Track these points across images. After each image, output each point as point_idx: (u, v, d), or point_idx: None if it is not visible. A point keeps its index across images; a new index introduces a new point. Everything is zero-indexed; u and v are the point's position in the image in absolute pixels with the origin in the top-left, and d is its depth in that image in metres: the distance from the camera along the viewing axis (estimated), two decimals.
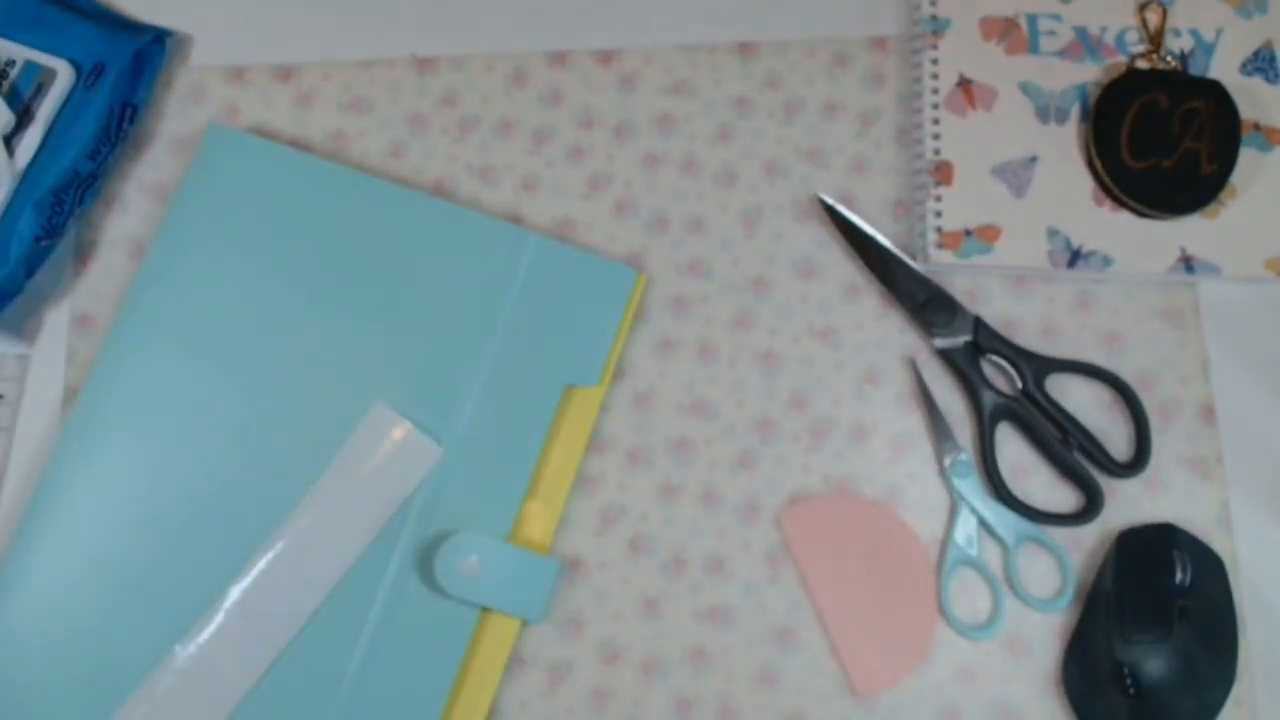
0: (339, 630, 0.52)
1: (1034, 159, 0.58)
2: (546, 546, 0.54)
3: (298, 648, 0.52)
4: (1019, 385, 0.56)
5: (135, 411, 0.54)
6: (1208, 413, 0.57)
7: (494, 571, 0.52)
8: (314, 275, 0.56)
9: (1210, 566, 0.54)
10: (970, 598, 0.55)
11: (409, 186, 0.58)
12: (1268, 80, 0.59)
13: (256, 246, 0.56)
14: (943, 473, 0.55)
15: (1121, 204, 0.58)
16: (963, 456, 0.55)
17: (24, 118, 0.57)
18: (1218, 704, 0.52)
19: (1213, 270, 0.57)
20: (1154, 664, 0.51)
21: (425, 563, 0.53)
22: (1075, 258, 0.57)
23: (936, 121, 0.59)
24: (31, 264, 0.56)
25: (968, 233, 0.57)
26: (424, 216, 0.57)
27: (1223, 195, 0.57)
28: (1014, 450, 0.56)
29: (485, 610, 0.53)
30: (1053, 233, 0.57)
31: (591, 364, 0.55)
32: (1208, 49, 0.60)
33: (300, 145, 0.60)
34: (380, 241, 0.56)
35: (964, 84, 0.59)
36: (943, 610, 0.54)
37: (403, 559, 0.53)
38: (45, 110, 0.57)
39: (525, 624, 0.54)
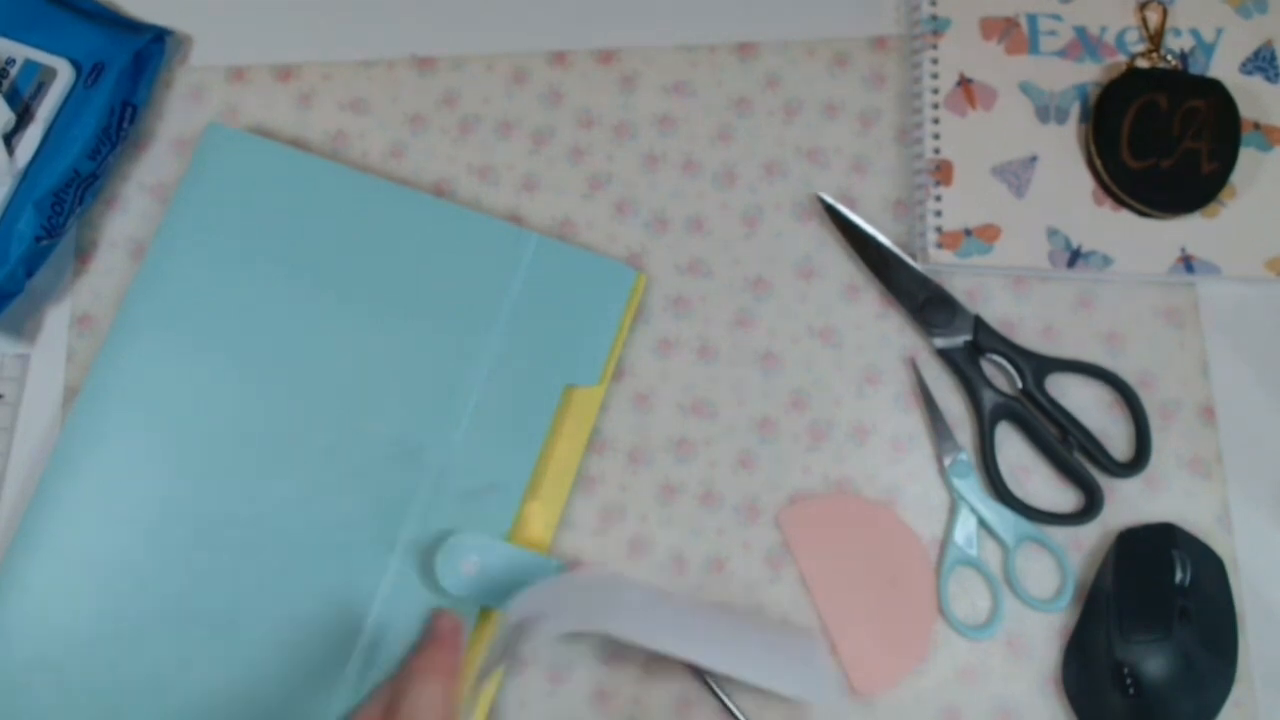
0: (340, 628, 0.52)
1: (1034, 159, 0.58)
2: (546, 546, 0.54)
3: (298, 647, 0.52)
4: (1019, 385, 0.56)
5: (135, 412, 0.54)
6: (1208, 413, 0.57)
7: (494, 571, 0.52)
8: (314, 275, 0.56)
9: (1210, 566, 0.54)
10: (970, 598, 0.55)
11: (409, 186, 0.58)
12: (1268, 80, 0.59)
13: (256, 246, 0.56)
14: (943, 473, 0.55)
15: (1121, 204, 0.58)
16: (963, 456, 0.55)
17: (24, 117, 0.57)
18: (1218, 704, 0.52)
19: (1213, 270, 0.57)
20: (1154, 664, 0.51)
21: (425, 562, 0.53)
22: (1075, 257, 0.57)
23: (936, 121, 0.59)
24: (31, 264, 0.56)
25: (968, 232, 0.57)
26: (424, 216, 0.57)
27: (1223, 195, 0.57)
28: (1014, 450, 0.56)
29: (485, 609, 0.53)
30: (1053, 232, 0.57)
31: (592, 363, 0.55)
32: (1208, 49, 0.60)
33: (300, 145, 0.60)
34: (380, 241, 0.56)
35: (964, 84, 0.59)
36: (942, 610, 0.54)
37: (403, 559, 0.53)
38: (45, 110, 0.57)
39: None
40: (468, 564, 0.52)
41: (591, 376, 0.55)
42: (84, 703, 0.51)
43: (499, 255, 0.56)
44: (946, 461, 0.55)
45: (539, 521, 0.54)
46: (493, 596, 0.52)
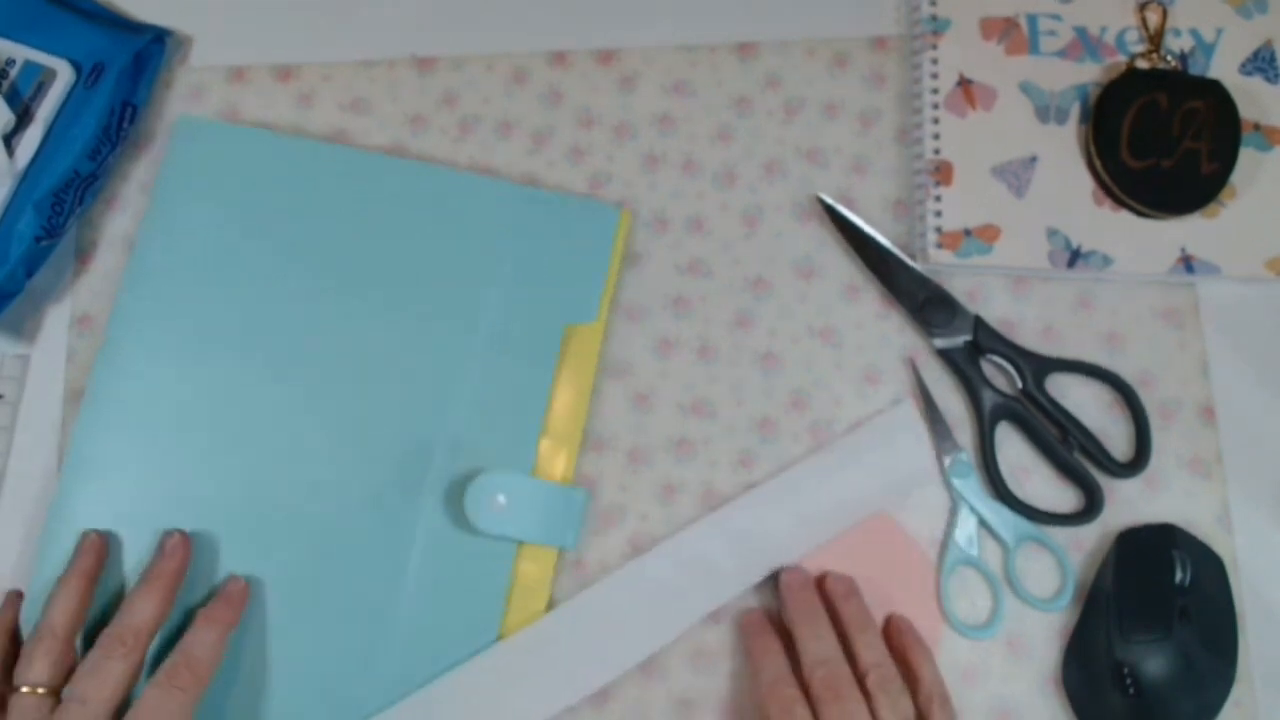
0: (382, 583, 0.53)
1: (1034, 159, 0.58)
2: (569, 480, 0.55)
3: (341, 612, 0.52)
4: (1019, 385, 0.56)
5: (138, 411, 0.54)
6: (1208, 413, 0.57)
7: (522, 505, 0.53)
8: (303, 251, 0.56)
9: (1210, 566, 0.54)
10: (971, 598, 0.55)
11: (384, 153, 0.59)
12: (1268, 80, 0.59)
13: (241, 229, 0.56)
14: (943, 472, 0.55)
15: (1121, 204, 0.58)
16: (963, 456, 0.55)
17: (24, 118, 0.57)
18: (1218, 704, 0.52)
19: (1213, 270, 0.57)
20: (1154, 664, 0.51)
21: (457, 506, 0.53)
22: (1075, 258, 0.57)
23: (936, 121, 0.59)
24: (32, 264, 0.56)
25: (967, 233, 0.57)
26: (402, 180, 0.58)
27: (1223, 195, 0.57)
28: (1014, 450, 0.56)
29: (522, 545, 0.54)
30: (1053, 233, 0.57)
31: (588, 301, 0.56)
32: (1208, 49, 0.60)
33: None
34: (363, 209, 0.57)
35: (964, 84, 0.59)
36: (943, 610, 0.54)
37: (433, 505, 0.53)
38: (45, 110, 0.57)
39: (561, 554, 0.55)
40: (497, 501, 0.52)
41: (589, 314, 0.56)
42: None
43: (483, 209, 0.57)
44: (946, 461, 0.55)
45: (559, 457, 0.55)
46: (525, 531, 0.53)
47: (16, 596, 0.53)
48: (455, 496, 0.53)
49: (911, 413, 0.56)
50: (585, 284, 0.57)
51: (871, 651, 0.49)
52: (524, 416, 0.55)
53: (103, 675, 0.47)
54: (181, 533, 0.52)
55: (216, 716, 0.51)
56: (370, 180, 0.57)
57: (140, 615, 0.49)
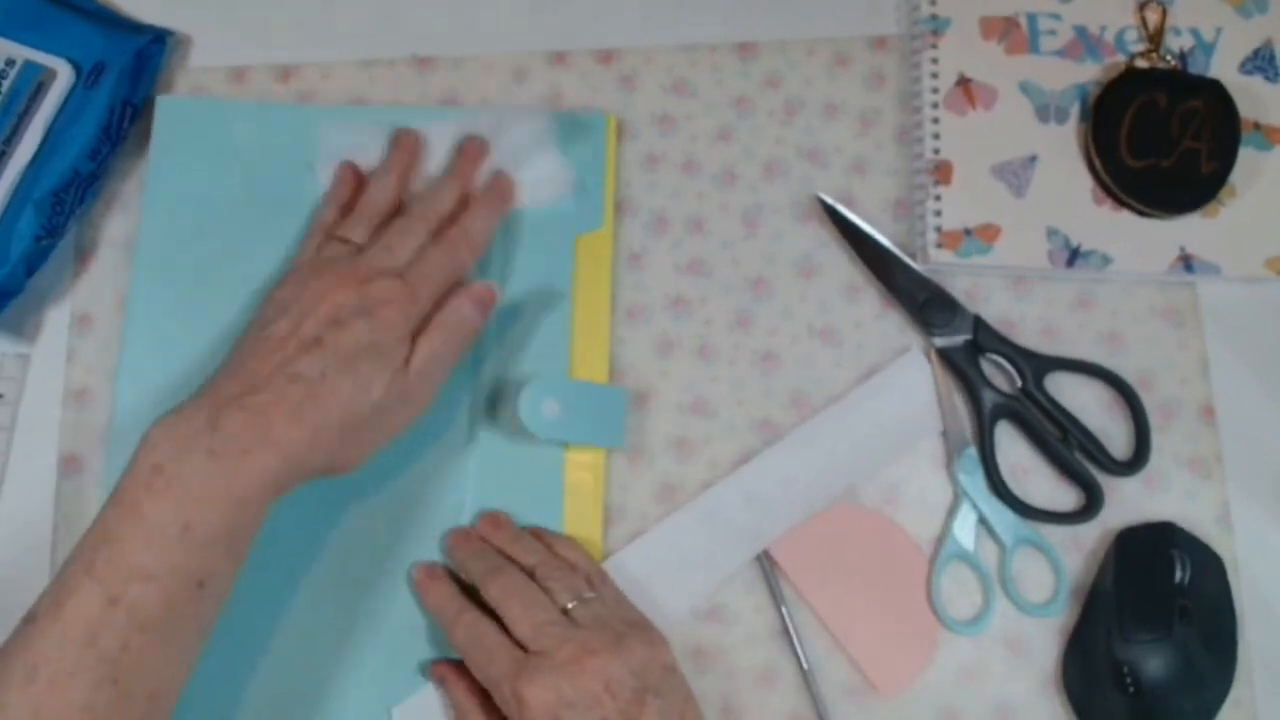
0: (445, 504, 0.54)
1: (1034, 158, 0.58)
2: (605, 378, 0.56)
3: (410, 526, 0.54)
4: (1019, 384, 0.56)
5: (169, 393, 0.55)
6: (1208, 412, 0.57)
7: (574, 408, 0.54)
8: (305, 203, 0.57)
9: (1210, 566, 0.54)
10: (962, 593, 0.55)
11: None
12: (1267, 80, 0.59)
13: (239, 199, 0.58)
14: (949, 465, 0.55)
15: (1121, 203, 0.58)
16: (970, 452, 0.55)
17: (24, 117, 0.57)
18: (1217, 703, 0.52)
19: (1213, 270, 0.57)
20: (1154, 664, 0.51)
21: (504, 416, 0.55)
22: (1075, 257, 0.57)
23: (936, 121, 0.59)
24: (32, 264, 0.56)
25: (967, 232, 0.57)
26: (388, 123, 0.58)
27: (1222, 195, 0.57)
28: (1014, 449, 0.56)
29: (569, 451, 0.55)
30: (1052, 232, 0.57)
31: (593, 209, 0.58)
32: (1207, 48, 0.60)
33: None
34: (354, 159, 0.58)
35: (964, 83, 0.59)
36: (933, 604, 0.54)
37: (481, 424, 0.55)
38: (45, 110, 0.57)
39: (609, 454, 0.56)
40: (549, 406, 0.53)
41: (595, 222, 0.58)
42: None
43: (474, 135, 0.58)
44: (954, 457, 0.55)
45: (592, 359, 0.56)
46: (577, 433, 0.54)
47: (353, 173, 0.57)
48: (501, 408, 0.55)
49: (920, 360, 0.56)
50: (587, 193, 0.58)
51: (529, 555, 0.51)
52: (552, 329, 0.56)
53: (407, 235, 0.52)
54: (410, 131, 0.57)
55: (289, 627, 0.53)
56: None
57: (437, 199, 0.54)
